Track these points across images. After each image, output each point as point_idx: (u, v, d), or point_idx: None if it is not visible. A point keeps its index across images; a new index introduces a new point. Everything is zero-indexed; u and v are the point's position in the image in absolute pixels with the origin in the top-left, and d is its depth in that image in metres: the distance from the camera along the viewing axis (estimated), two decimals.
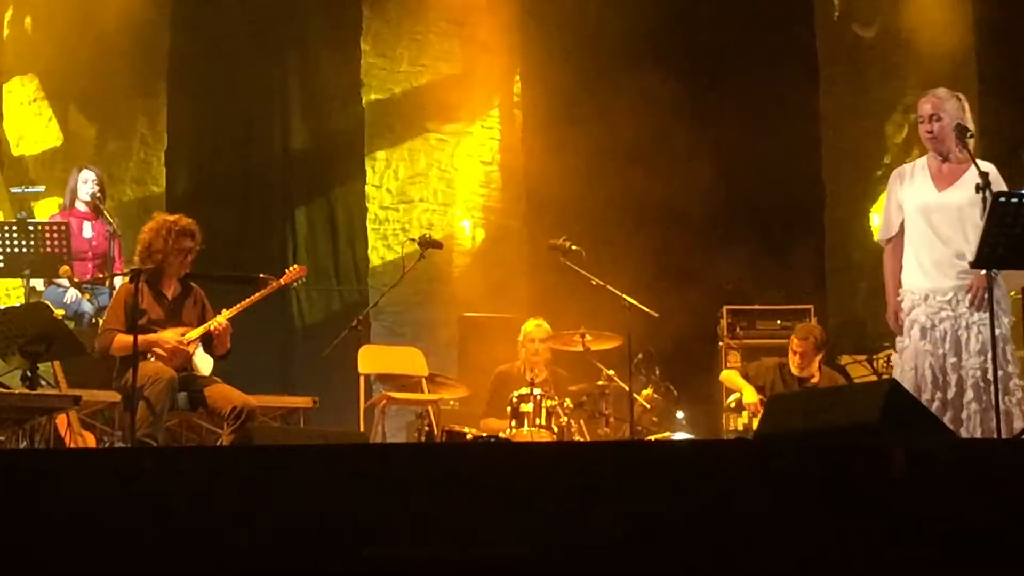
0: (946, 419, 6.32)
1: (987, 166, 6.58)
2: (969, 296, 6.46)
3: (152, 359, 7.41)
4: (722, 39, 11.81)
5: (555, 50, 11.66)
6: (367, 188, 11.73)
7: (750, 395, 9.06)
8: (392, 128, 11.78)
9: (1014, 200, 6.14)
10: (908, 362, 6.55)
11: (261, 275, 7.94)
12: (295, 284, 8.08)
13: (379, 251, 11.61)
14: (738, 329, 10.71)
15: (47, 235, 8.58)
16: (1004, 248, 6.14)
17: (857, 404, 5.60)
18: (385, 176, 11.69)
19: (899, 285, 6.69)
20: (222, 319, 7.65)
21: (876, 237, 6.98)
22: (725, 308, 10.76)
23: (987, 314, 6.40)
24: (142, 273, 7.43)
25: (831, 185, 11.94)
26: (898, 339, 6.71)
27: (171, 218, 7.76)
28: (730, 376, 9.43)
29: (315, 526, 4.27)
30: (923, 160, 6.80)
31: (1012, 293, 8.58)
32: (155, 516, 4.26)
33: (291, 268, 8.12)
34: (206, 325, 7.63)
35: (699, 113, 11.36)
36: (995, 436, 6.20)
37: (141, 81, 11.36)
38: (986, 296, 6.36)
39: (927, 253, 6.61)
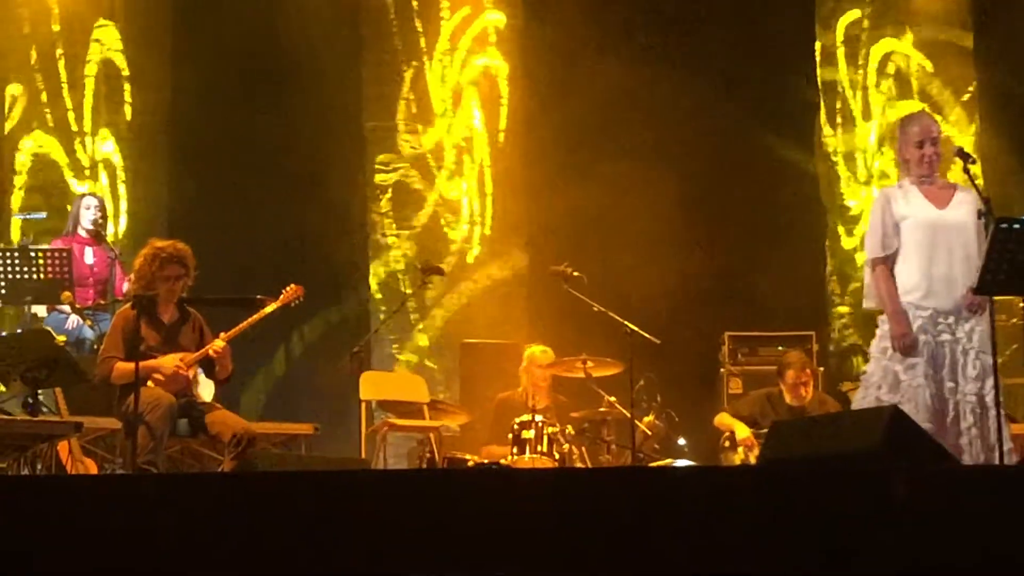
0: (949, 443, 6.31)
1: (970, 192, 6.60)
2: (967, 303, 6.45)
3: (151, 385, 7.40)
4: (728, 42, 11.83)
5: (552, 89, 11.69)
6: (370, 216, 11.74)
7: (742, 431, 9.06)
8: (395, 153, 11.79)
9: (1016, 226, 6.16)
10: (918, 379, 6.51)
11: (258, 296, 7.92)
12: (293, 304, 8.03)
13: (380, 276, 11.61)
14: (739, 355, 10.70)
15: (49, 261, 8.59)
16: (1006, 275, 6.15)
17: (859, 430, 5.59)
18: (384, 201, 11.69)
19: (900, 303, 6.64)
20: (220, 343, 7.64)
21: (867, 256, 6.86)
22: (727, 334, 10.75)
23: (986, 341, 6.41)
24: (137, 300, 7.41)
25: (833, 211, 11.94)
26: (892, 354, 6.60)
27: (160, 244, 7.71)
28: (721, 418, 9.44)
29: (317, 552, 4.26)
30: (905, 182, 6.79)
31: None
32: (156, 542, 4.25)
33: (288, 289, 8.04)
34: (204, 349, 7.62)
35: (701, 130, 11.40)
36: (995, 462, 6.21)
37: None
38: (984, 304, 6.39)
39: (934, 268, 6.59)
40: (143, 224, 10.99)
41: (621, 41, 11.42)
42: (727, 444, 9.21)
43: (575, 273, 9.15)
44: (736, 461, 8.99)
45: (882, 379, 6.62)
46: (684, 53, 11.70)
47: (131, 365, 7.29)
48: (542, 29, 11.71)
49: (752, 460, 8.79)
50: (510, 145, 11.77)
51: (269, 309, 7.86)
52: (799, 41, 11.98)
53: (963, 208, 6.62)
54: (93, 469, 8.11)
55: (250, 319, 7.81)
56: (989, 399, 6.36)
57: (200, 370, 7.71)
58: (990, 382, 6.37)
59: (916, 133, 6.74)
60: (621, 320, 8.86)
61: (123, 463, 7.91)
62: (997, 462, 6.24)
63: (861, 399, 6.76)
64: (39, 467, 7.56)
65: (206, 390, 7.68)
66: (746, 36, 11.75)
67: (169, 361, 7.50)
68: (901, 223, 6.67)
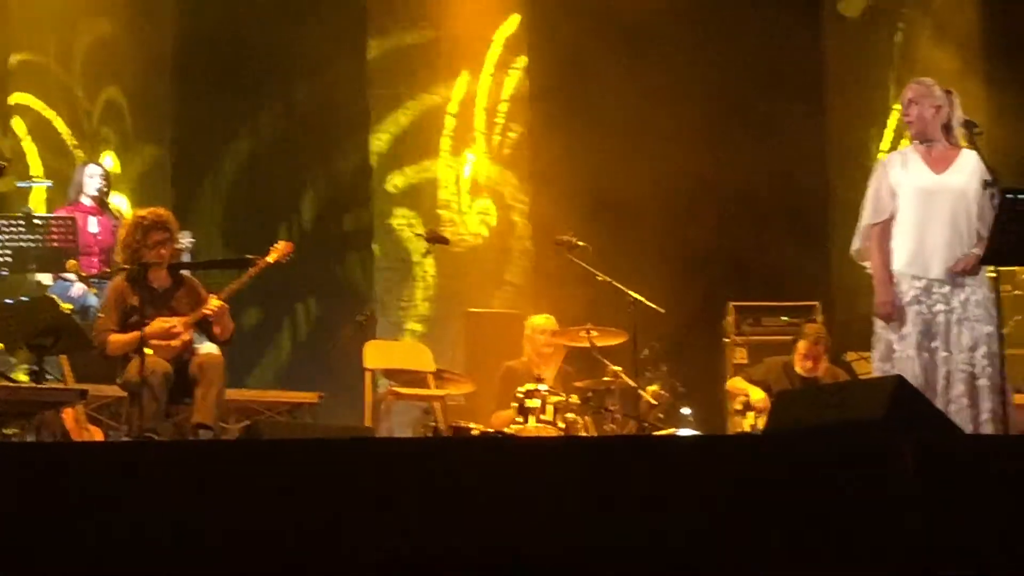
0: None
1: (972, 155, 6.57)
2: (961, 264, 6.45)
3: (149, 353, 7.40)
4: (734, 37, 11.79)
5: (561, 47, 11.64)
6: (372, 183, 11.73)
7: (757, 394, 9.05)
8: (397, 122, 11.77)
9: (1022, 196, 6.14)
10: (908, 349, 6.52)
11: (248, 256, 7.91)
12: (284, 260, 7.98)
13: (384, 245, 11.60)
14: (744, 325, 10.70)
15: (53, 229, 8.59)
16: (1013, 245, 6.14)
17: (863, 400, 5.60)
18: (392, 170, 11.68)
19: (891, 271, 6.64)
20: (215, 302, 7.62)
21: (861, 222, 6.86)
22: (731, 304, 10.75)
23: (979, 311, 6.43)
24: (127, 271, 7.44)
25: (837, 180, 11.91)
26: (883, 327, 6.63)
27: (142, 213, 7.74)
28: (735, 382, 9.45)
29: (320, 521, 4.27)
30: (909, 147, 6.80)
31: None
32: (161, 510, 4.26)
33: (278, 245, 7.99)
34: (199, 311, 7.62)
35: (706, 106, 11.34)
36: (985, 432, 6.23)
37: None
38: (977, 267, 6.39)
39: (930, 236, 6.58)
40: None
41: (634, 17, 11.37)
42: (740, 407, 9.21)
43: (579, 242, 9.15)
44: (746, 426, 9.00)
45: (877, 347, 6.68)
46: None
47: (125, 336, 7.40)
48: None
49: (762, 425, 8.79)
50: (518, 114, 11.75)
51: (260, 266, 7.82)
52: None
53: (964, 172, 6.57)
54: (99, 436, 8.12)
55: (242, 278, 7.78)
56: (978, 369, 6.37)
57: (203, 336, 7.71)
58: (981, 351, 6.39)
59: (903, 98, 6.77)
60: (625, 289, 8.86)
61: (128, 431, 7.93)
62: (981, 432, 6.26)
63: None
64: (44, 434, 7.58)
65: (209, 350, 7.70)
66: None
67: (157, 326, 7.49)
68: (897, 189, 6.67)
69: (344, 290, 11.93)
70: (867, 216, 6.79)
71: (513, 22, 11.77)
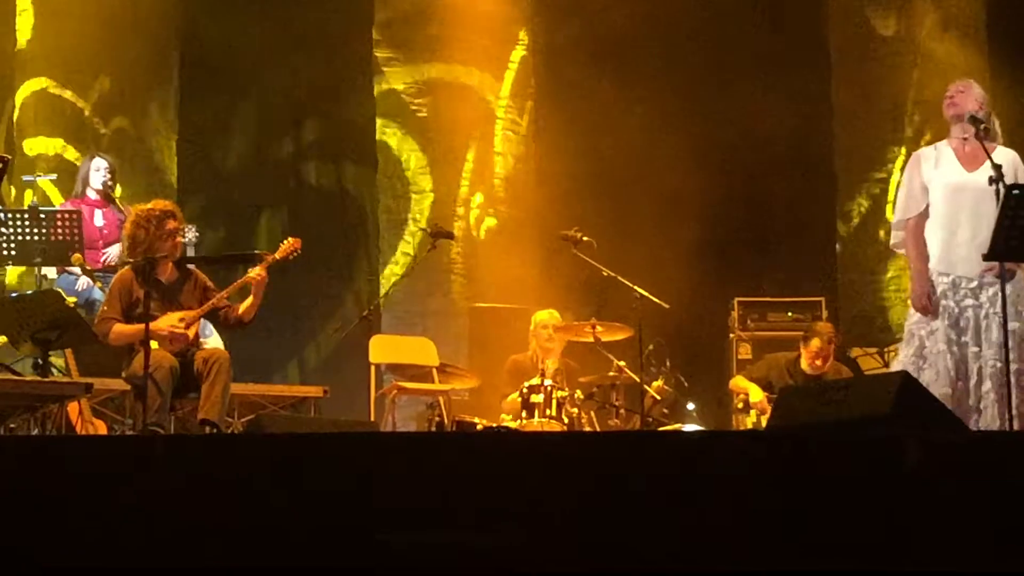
0: (967, 408, 6.34)
1: (1007, 154, 6.59)
2: (995, 271, 6.45)
3: (155, 346, 7.40)
4: (738, 31, 11.78)
5: (566, 43, 11.64)
6: (378, 177, 11.73)
7: (756, 394, 9.04)
8: (403, 118, 11.76)
9: None
10: (939, 344, 6.54)
11: (256, 251, 7.89)
12: (291, 257, 7.97)
13: (389, 240, 11.60)
14: (749, 321, 10.70)
15: (59, 222, 8.58)
16: (1017, 240, 6.13)
17: (869, 396, 5.60)
18: (396, 165, 11.67)
19: (926, 264, 6.66)
20: (256, 272, 7.57)
21: (894, 217, 6.93)
22: (736, 300, 10.75)
23: (1008, 307, 6.42)
24: (133, 263, 7.44)
25: (843, 177, 11.90)
26: (917, 320, 6.65)
27: (146, 206, 7.74)
28: (736, 381, 9.44)
29: (325, 514, 4.27)
30: (943, 143, 6.83)
31: None
32: (166, 503, 4.27)
33: (285, 242, 7.97)
34: (208, 303, 7.61)
35: (712, 101, 11.34)
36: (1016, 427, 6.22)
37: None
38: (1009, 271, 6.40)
39: (959, 232, 6.60)
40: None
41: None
42: (740, 406, 9.20)
43: (584, 238, 9.14)
44: (748, 424, 8.99)
45: (908, 342, 6.71)
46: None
47: (130, 328, 7.39)
48: None
49: (764, 424, 8.78)
50: (521, 110, 11.75)
51: (268, 261, 7.78)
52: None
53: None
54: (103, 430, 8.13)
55: (249, 274, 7.73)
56: (1009, 365, 6.38)
57: (209, 328, 7.71)
58: (1010, 346, 6.39)
59: (950, 90, 6.81)
60: (631, 285, 8.85)
61: (132, 424, 7.94)
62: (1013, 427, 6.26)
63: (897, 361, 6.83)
64: (49, 428, 7.59)
65: (214, 344, 7.70)
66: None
67: (165, 321, 7.48)
68: (928, 185, 6.71)
69: (349, 287, 11.95)
70: (900, 210, 6.87)
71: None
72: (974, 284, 6.55)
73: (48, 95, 10.85)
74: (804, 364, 9.01)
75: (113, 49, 10.89)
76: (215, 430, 7.27)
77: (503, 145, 11.74)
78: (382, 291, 11.01)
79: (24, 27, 10.93)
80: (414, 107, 11.65)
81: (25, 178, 10.37)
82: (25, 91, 10.89)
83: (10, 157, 9.19)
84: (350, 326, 9.18)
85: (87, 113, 10.91)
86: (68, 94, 10.88)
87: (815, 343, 8.98)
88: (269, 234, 12.01)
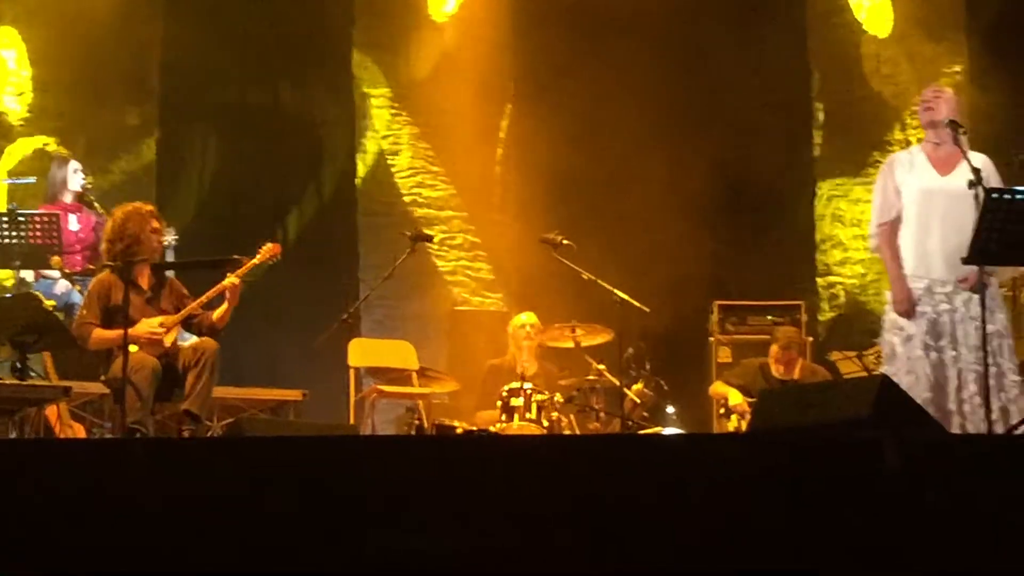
0: (948, 412, 6.35)
1: (981, 159, 6.61)
2: (967, 284, 6.47)
3: (135, 349, 7.37)
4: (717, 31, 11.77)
5: (540, 48, 11.63)
6: (358, 181, 11.72)
7: (735, 397, 9.08)
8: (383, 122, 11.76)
9: (1007, 196, 6.16)
10: (916, 350, 6.55)
11: (234, 256, 7.85)
12: (270, 262, 7.94)
13: (368, 244, 11.58)
14: (728, 324, 10.72)
15: (38, 226, 8.55)
16: (996, 244, 6.15)
17: (848, 399, 5.61)
18: (377, 170, 11.67)
19: (903, 268, 6.67)
20: (232, 280, 7.56)
21: (870, 222, 6.93)
22: (716, 303, 10.77)
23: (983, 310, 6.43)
24: (112, 267, 7.41)
25: (822, 181, 11.92)
26: (894, 325, 6.66)
27: (130, 206, 7.71)
28: (715, 387, 9.49)
29: (304, 518, 4.26)
30: (917, 147, 6.86)
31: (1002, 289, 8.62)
32: (145, 507, 4.25)
33: (264, 247, 7.92)
34: (187, 308, 7.59)
35: (690, 104, 11.34)
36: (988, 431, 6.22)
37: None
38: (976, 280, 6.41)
39: (930, 238, 6.61)
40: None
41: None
42: (722, 412, 9.24)
43: (564, 241, 9.14)
44: (730, 428, 9.02)
45: (884, 348, 6.75)
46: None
47: (109, 332, 7.35)
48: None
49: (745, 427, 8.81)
50: (502, 112, 11.76)
51: (247, 267, 7.76)
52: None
53: (968, 174, 6.60)
54: (81, 433, 8.10)
55: (230, 275, 7.69)
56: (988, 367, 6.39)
57: (186, 333, 7.68)
58: (989, 349, 6.40)
59: (924, 94, 6.85)
60: (611, 288, 8.86)
61: (112, 427, 7.91)
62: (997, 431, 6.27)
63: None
64: (27, 431, 7.56)
65: None
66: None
67: (144, 326, 7.45)
68: (902, 188, 6.73)
69: (328, 288, 11.91)
70: (876, 215, 6.87)
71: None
72: (948, 288, 6.57)
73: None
74: (772, 369, 9.10)
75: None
76: (196, 425, 7.24)
77: (480, 147, 11.72)
78: (361, 294, 10.99)
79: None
80: (394, 111, 11.67)
81: (5, 181, 10.32)
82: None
83: None
84: (330, 329, 9.13)
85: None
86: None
87: (773, 349, 9.11)
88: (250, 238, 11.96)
